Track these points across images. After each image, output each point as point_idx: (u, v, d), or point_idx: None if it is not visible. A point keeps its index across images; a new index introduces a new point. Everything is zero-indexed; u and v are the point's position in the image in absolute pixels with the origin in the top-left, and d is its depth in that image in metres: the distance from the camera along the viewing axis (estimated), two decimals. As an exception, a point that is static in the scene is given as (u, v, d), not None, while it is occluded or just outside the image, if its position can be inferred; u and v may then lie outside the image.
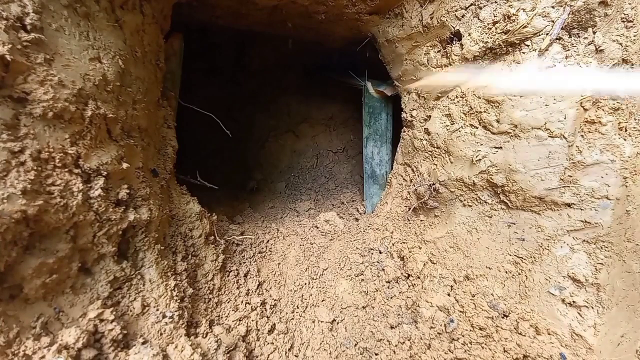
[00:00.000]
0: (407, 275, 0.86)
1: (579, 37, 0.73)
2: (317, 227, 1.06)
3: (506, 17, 0.75)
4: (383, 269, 0.86)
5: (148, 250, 0.61)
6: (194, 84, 1.21)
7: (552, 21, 0.73)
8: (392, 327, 0.75)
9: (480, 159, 0.83)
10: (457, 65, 0.87)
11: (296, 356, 0.72)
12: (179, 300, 0.62)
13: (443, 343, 0.71)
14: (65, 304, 0.49)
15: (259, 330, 0.73)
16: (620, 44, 0.72)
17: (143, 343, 0.53)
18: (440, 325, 0.73)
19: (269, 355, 0.70)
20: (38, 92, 0.44)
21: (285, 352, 0.71)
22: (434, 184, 0.94)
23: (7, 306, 0.43)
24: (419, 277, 0.85)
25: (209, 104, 1.03)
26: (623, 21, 0.74)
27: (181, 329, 0.59)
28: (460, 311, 0.77)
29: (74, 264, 0.50)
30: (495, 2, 0.77)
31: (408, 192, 1.02)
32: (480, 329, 0.72)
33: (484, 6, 0.79)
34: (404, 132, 1.10)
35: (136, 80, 0.62)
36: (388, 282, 0.84)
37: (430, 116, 0.97)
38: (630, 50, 0.71)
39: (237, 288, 0.79)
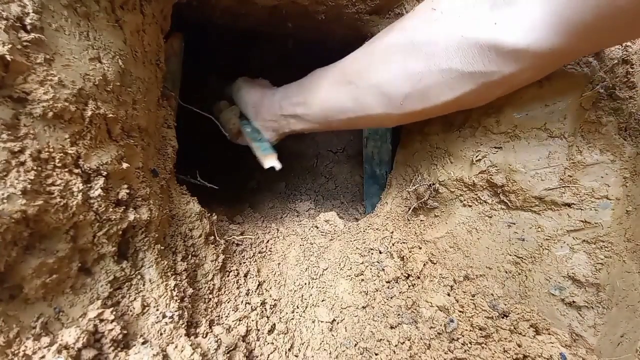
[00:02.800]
0: (407, 275, 0.86)
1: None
2: (317, 227, 1.06)
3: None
4: (383, 269, 0.86)
5: (148, 250, 0.61)
6: (194, 84, 1.21)
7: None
8: (392, 327, 0.75)
9: (480, 159, 0.83)
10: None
11: (296, 356, 0.72)
12: (179, 300, 0.62)
13: (443, 343, 0.71)
14: (65, 304, 0.49)
15: (259, 330, 0.73)
16: (620, 44, 0.72)
17: (143, 343, 0.53)
18: (440, 325, 0.73)
19: (269, 355, 0.70)
20: (38, 92, 0.44)
21: (285, 352, 0.71)
22: (433, 184, 0.94)
23: (7, 306, 0.43)
24: (419, 277, 0.85)
25: (210, 104, 1.02)
26: (623, 21, 0.74)
27: (181, 329, 0.59)
28: (460, 311, 0.77)
29: (74, 264, 0.50)
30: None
31: (408, 192, 1.02)
32: (480, 329, 0.72)
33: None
34: (404, 132, 1.10)
35: (136, 80, 0.62)
36: (388, 282, 0.84)
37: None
38: (630, 50, 0.71)
39: (237, 288, 0.79)
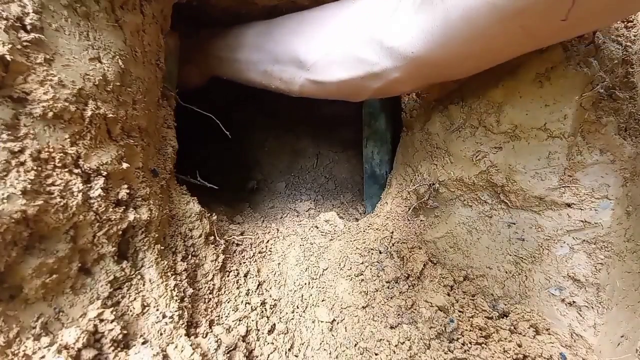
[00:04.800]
0: (407, 275, 0.86)
1: (579, 37, 0.73)
2: (317, 227, 1.06)
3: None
4: (383, 269, 0.86)
5: (148, 250, 0.61)
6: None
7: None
8: (392, 327, 0.75)
9: (480, 159, 0.83)
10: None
11: (296, 356, 0.72)
12: (179, 300, 0.62)
13: (443, 343, 0.71)
14: (65, 304, 0.49)
15: (259, 330, 0.73)
16: (620, 44, 0.72)
17: (143, 343, 0.53)
18: (440, 326, 0.73)
19: (269, 355, 0.70)
20: (38, 92, 0.44)
21: (285, 352, 0.71)
22: (434, 184, 0.94)
23: (7, 306, 0.43)
24: (419, 277, 0.85)
25: (209, 104, 1.02)
26: (623, 21, 0.74)
27: (181, 329, 0.59)
28: (460, 311, 0.77)
29: (73, 264, 0.50)
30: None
31: (408, 192, 1.02)
32: (480, 329, 0.72)
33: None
34: (404, 132, 1.10)
35: (136, 80, 0.62)
36: (388, 282, 0.84)
37: (430, 116, 0.97)
38: (630, 51, 0.71)
39: (237, 288, 0.79)
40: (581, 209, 0.73)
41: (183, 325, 0.60)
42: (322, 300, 0.82)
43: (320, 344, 0.73)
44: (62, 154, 0.46)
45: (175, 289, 0.63)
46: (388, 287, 0.83)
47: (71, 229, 0.49)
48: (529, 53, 0.76)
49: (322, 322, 0.77)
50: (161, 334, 0.56)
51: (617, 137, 0.72)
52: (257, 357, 0.69)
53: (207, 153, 1.64)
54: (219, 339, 0.63)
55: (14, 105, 0.42)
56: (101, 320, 0.50)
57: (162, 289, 0.60)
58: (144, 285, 0.59)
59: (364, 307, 0.80)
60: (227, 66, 1.06)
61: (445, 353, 0.69)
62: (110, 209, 0.54)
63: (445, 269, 0.86)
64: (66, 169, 0.47)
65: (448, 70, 0.74)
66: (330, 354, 0.72)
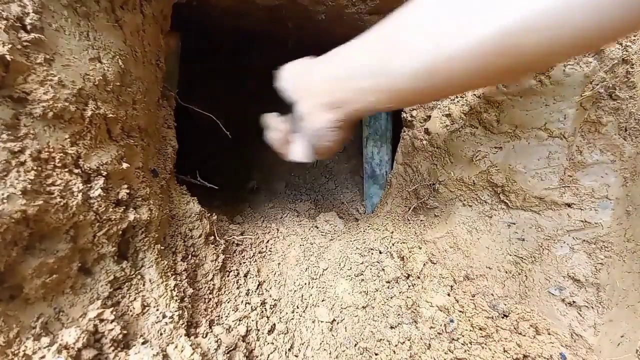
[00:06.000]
0: (407, 275, 0.86)
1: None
2: (317, 227, 1.06)
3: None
4: (383, 269, 0.86)
5: (148, 250, 0.61)
6: (194, 84, 1.22)
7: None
8: (392, 327, 0.75)
9: (480, 159, 0.83)
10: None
11: (296, 356, 0.72)
12: (179, 300, 0.62)
13: (443, 343, 0.71)
14: (65, 304, 0.49)
15: (259, 330, 0.73)
16: (620, 44, 0.72)
17: (143, 343, 0.53)
18: (440, 325, 0.73)
19: (269, 355, 0.70)
20: (38, 92, 0.44)
21: (285, 352, 0.71)
22: (433, 184, 0.94)
23: (7, 306, 0.43)
24: (419, 277, 0.85)
25: (209, 104, 1.03)
26: (623, 21, 0.73)
27: (181, 329, 0.59)
28: (460, 311, 0.77)
29: (74, 264, 0.50)
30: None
31: (408, 192, 1.02)
32: (480, 329, 0.72)
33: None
34: (404, 132, 1.10)
35: (136, 80, 0.62)
36: (388, 282, 0.84)
37: (430, 116, 0.97)
38: (630, 50, 0.71)
39: (237, 288, 0.79)
40: (581, 209, 0.73)
41: (183, 325, 0.60)
42: (322, 300, 0.82)
43: (320, 344, 0.73)
44: (62, 154, 0.46)
45: (175, 289, 0.63)
46: (388, 287, 0.83)
47: (71, 229, 0.49)
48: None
49: (322, 322, 0.77)
50: (161, 334, 0.56)
51: (617, 137, 0.72)
52: (257, 357, 0.69)
53: (207, 153, 1.64)
54: (219, 339, 0.63)
55: (14, 105, 0.42)
56: (101, 320, 0.50)
57: (162, 289, 0.60)
58: (144, 285, 0.59)
59: (364, 307, 0.80)
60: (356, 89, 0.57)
61: (446, 353, 0.69)
62: (110, 209, 0.54)
63: (445, 269, 0.86)
64: (66, 169, 0.47)
65: None
66: (330, 354, 0.72)
